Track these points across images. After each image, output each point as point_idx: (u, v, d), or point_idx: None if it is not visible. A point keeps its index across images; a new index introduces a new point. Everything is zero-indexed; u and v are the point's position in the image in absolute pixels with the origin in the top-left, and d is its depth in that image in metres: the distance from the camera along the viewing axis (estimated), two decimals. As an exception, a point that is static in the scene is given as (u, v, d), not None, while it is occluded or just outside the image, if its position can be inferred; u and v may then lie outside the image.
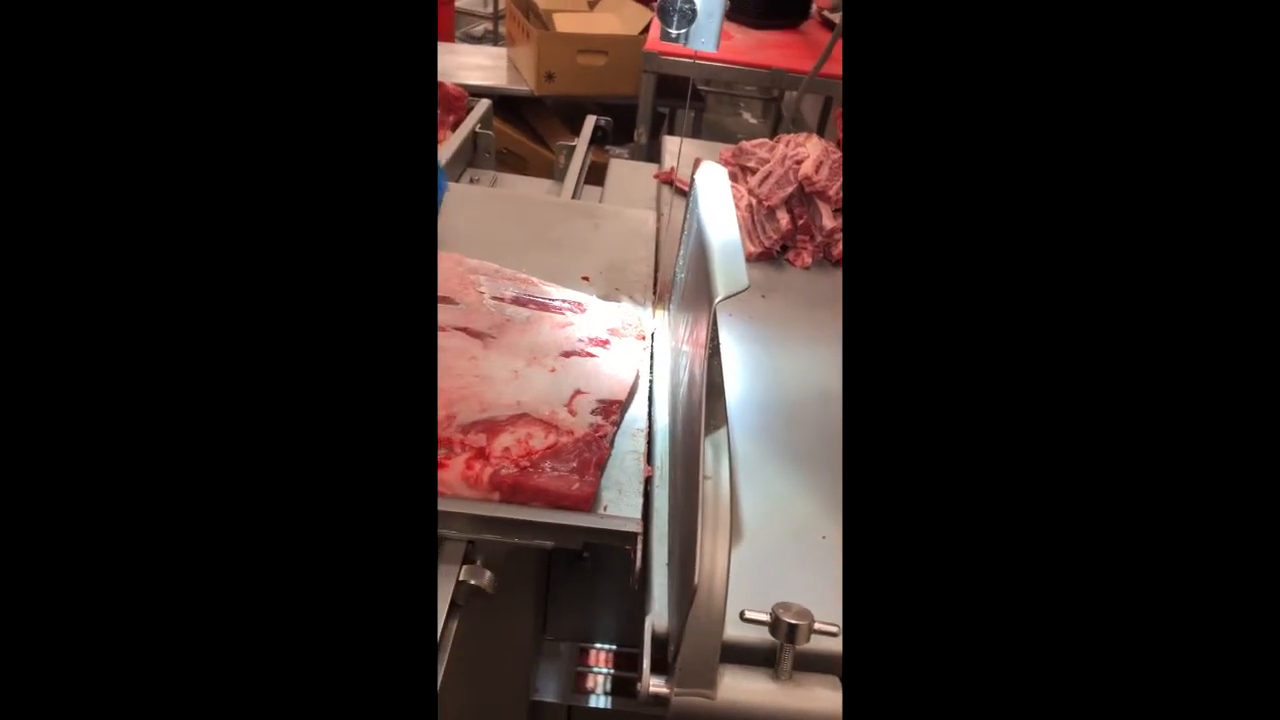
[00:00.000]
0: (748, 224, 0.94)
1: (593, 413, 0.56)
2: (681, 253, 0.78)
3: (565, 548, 0.56)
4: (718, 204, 0.63)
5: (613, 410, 0.58)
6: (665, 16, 0.57)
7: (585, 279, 0.87)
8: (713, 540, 0.47)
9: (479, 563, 0.53)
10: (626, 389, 0.60)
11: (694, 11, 0.57)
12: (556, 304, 0.68)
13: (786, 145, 0.94)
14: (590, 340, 0.64)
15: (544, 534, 0.54)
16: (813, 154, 0.90)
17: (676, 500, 0.58)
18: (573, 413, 0.55)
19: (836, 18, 1.22)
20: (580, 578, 0.71)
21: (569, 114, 2.12)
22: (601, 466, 0.54)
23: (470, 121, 1.25)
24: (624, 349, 0.65)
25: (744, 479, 0.63)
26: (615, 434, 0.58)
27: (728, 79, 1.85)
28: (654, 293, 0.87)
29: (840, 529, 0.60)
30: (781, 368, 0.78)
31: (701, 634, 0.45)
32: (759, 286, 0.89)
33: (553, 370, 0.58)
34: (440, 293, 0.63)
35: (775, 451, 0.67)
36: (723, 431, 0.53)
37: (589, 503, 0.52)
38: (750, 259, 0.93)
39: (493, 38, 3.36)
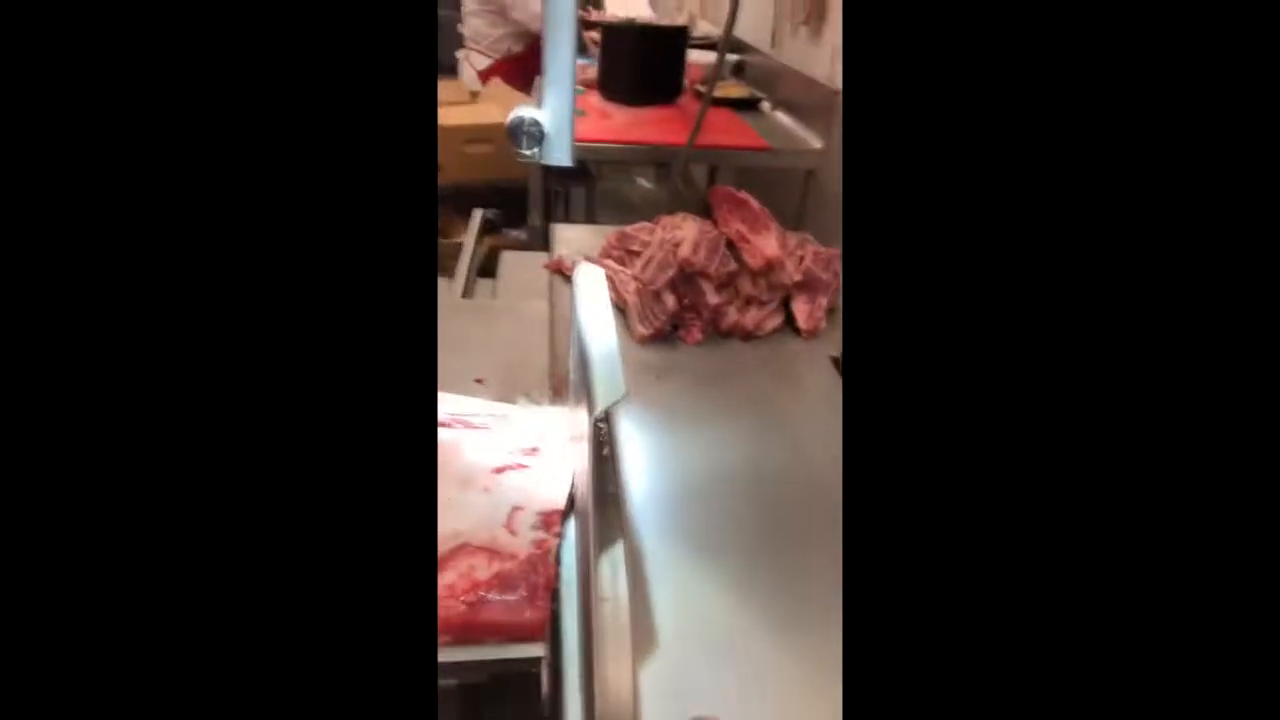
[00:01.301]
0: (637, 308, 0.95)
1: (534, 528, 0.54)
2: (571, 352, 0.78)
3: (471, 683, 0.53)
4: (595, 308, 0.64)
5: (554, 522, 0.56)
6: (515, 138, 0.58)
7: (479, 381, 0.86)
8: (616, 665, 0.46)
9: None
10: (563, 497, 0.59)
11: (541, 131, 0.58)
12: (480, 419, 0.66)
13: (664, 229, 0.97)
14: (521, 450, 0.62)
15: (444, 672, 0.51)
16: (689, 236, 0.93)
17: (583, 618, 0.56)
18: (513, 532, 0.53)
19: (707, 90, 1.30)
20: (525, 710, 0.67)
21: (464, 204, 2.14)
22: (551, 588, 0.52)
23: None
24: (556, 454, 0.62)
25: (654, 580, 0.62)
26: (559, 546, 0.56)
27: (612, 158, 1.92)
28: (550, 389, 0.86)
29: (756, 624, 0.60)
30: (684, 452, 0.78)
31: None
32: (653, 368, 0.90)
33: (486, 489, 0.56)
34: None
35: (685, 545, 0.67)
36: (619, 546, 0.52)
37: (543, 629, 0.50)
38: (643, 341, 0.94)
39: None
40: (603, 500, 0.53)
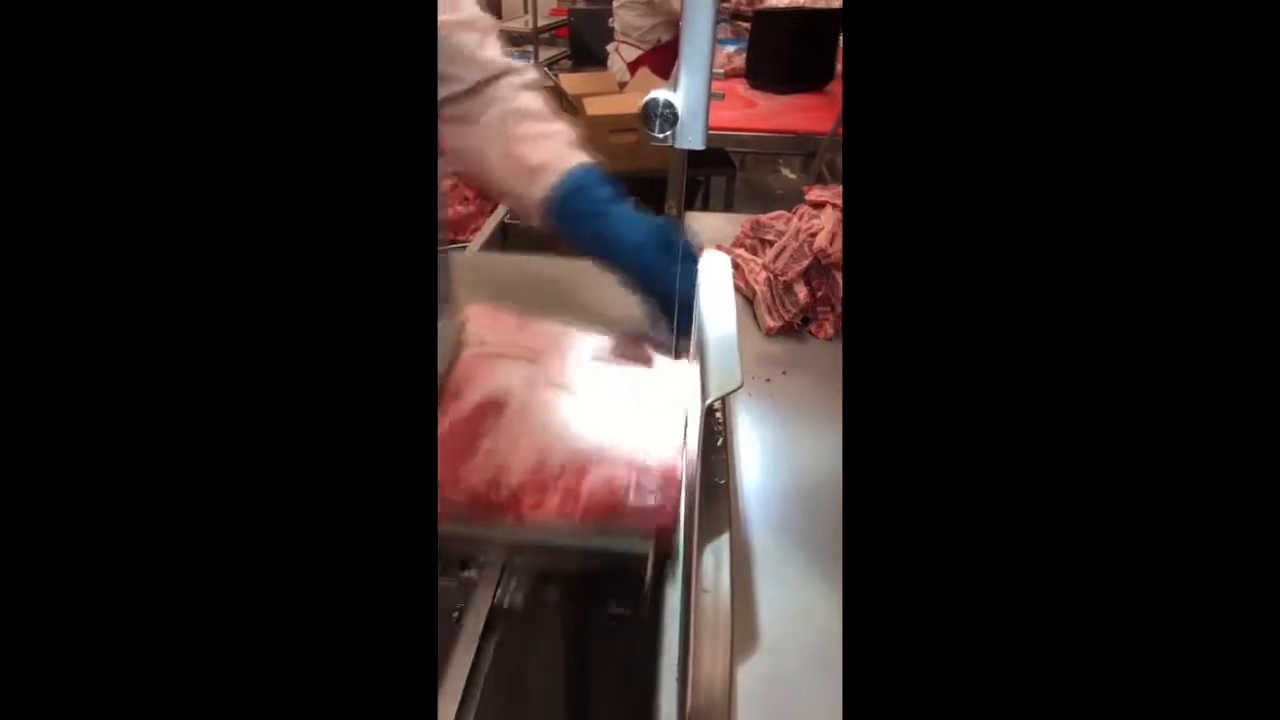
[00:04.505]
0: (767, 298, 0.92)
1: (667, 449, 0.60)
2: (691, 339, 0.77)
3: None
4: (716, 295, 0.63)
5: (680, 445, 0.61)
6: (647, 122, 0.58)
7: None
8: (712, 660, 0.45)
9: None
10: (682, 423, 0.63)
11: (675, 114, 0.57)
12: (628, 360, 0.73)
13: (800, 218, 0.94)
14: (657, 390, 0.69)
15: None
16: (827, 226, 0.89)
17: (684, 608, 0.56)
18: (648, 450, 0.59)
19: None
20: (620, 661, 0.68)
21: (605, 190, 2.18)
22: (679, 491, 0.56)
23: (502, 210, 1.30)
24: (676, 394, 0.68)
25: (763, 581, 0.60)
26: (684, 464, 0.59)
27: (756, 146, 1.88)
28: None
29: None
30: (805, 450, 0.75)
31: (700, 771, 0.42)
32: (780, 362, 0.87)
33: (631, 413, 0.63)
34: (534, 353, 0.69)
35: (798, 548, 0.64)
36: (724, 539, 0.51)
37: (669, 527, 0.55)
38: (771, 333, 0.91)
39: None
40: (710, 490, 0.52)
